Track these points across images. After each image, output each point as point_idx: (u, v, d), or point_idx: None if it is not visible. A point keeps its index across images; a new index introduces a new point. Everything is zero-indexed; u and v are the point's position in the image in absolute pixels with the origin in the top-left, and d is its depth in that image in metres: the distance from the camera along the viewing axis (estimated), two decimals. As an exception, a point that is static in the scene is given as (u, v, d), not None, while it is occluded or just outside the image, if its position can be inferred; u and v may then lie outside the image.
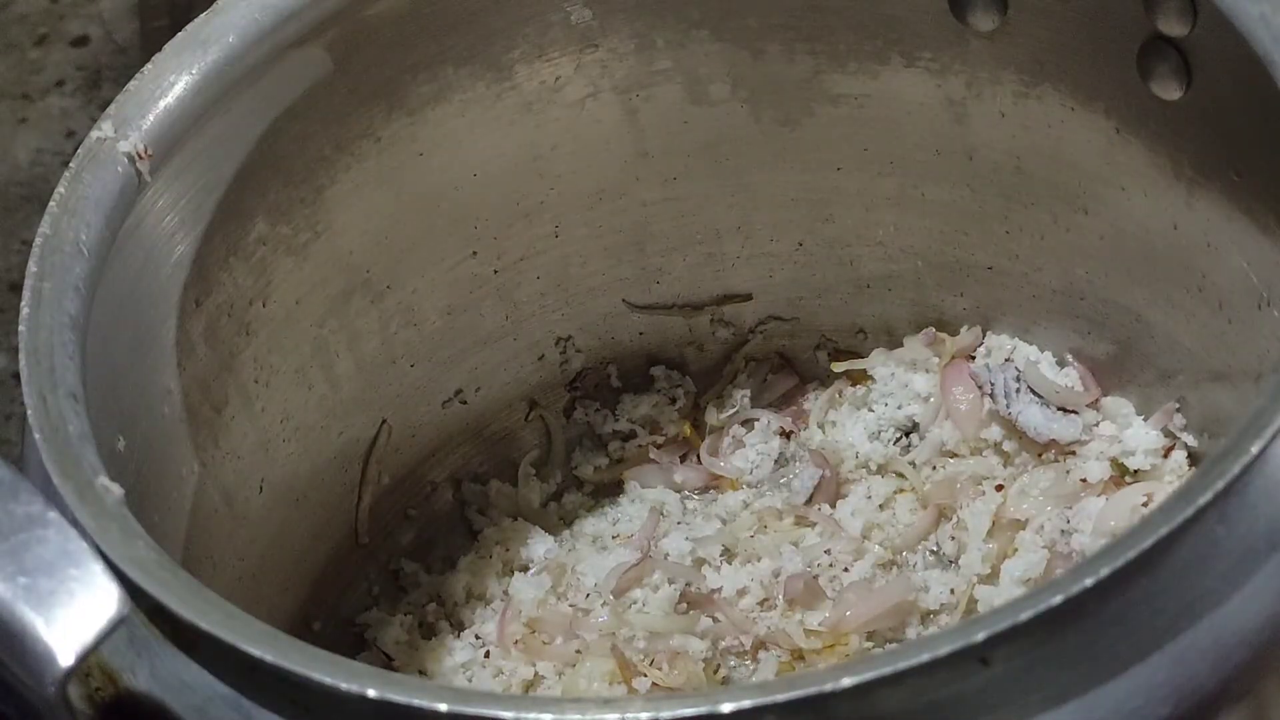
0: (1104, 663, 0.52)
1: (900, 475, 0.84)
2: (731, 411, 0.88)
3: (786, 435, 0.86)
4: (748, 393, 0.88)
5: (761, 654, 0.79)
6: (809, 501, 0.83)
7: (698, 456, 0.87)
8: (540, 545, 0.84)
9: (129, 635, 0.56)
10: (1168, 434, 0.80)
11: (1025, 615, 0.50)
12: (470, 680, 0.79)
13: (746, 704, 0.49)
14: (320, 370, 0.80)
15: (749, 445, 0.86)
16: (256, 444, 0.77)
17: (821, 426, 0.86)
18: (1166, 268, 0.76)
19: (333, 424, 0.81)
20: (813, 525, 0.82)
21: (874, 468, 0.84)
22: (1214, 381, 0.76)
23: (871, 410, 0.86)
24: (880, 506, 0.83)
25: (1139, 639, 0.52)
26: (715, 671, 0.79)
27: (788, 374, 0.89)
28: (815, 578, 0.80)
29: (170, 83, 0.69)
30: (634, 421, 0.88)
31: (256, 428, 0.77)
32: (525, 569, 0.83)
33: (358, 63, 0.75)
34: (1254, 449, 0.53)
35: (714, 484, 0.86)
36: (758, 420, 0.87)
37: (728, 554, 0.82)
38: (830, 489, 0.84)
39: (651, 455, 0.87)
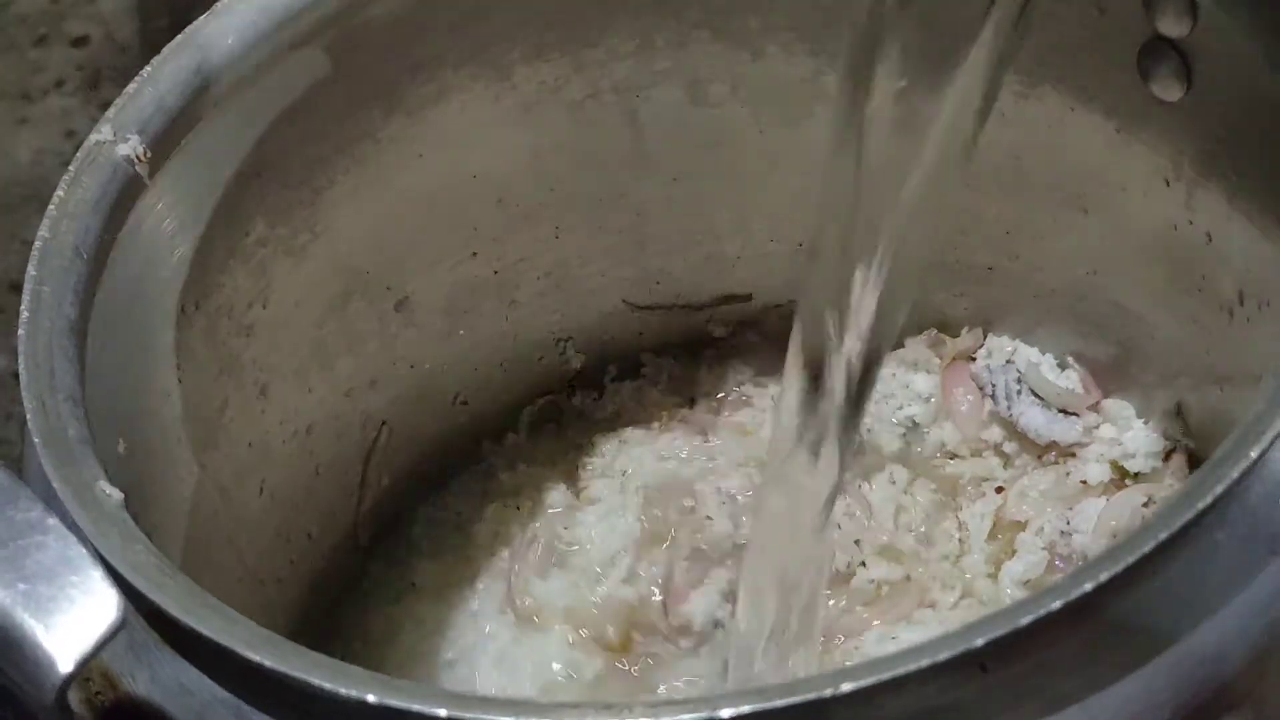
0: (1103, 668, 0.52)
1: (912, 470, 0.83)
2: (736, 386, 0.87)
3: None
4: (750, 370, 0.88)
5: None
6: None
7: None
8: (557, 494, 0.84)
9: (129, 640, 0.56)
10: (1168, 437, 0.80)
11: (1025, 620, 0.50)
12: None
13: (745, 709, 0.49)
14: (320, 371, 0.80)
15: (755, 406, 0.85)
16: (256, 446, 0.77)
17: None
18: (1167, 268, 0.76)
19: (332, 425, 0.81)
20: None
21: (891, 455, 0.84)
22: (1215, 384, 0.76)
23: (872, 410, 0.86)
24: (904, 491, 0.82)
25: (1138, 644, 0.52)
26: None
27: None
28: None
29: (169, 85, 0.69)
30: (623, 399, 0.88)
31: (256, 429, 0.77)
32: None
33: (356, 64, 0.74)
34: (1254, 453, 0.52)
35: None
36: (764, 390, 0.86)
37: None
38: (859, 462, 0.83)
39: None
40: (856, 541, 0.80)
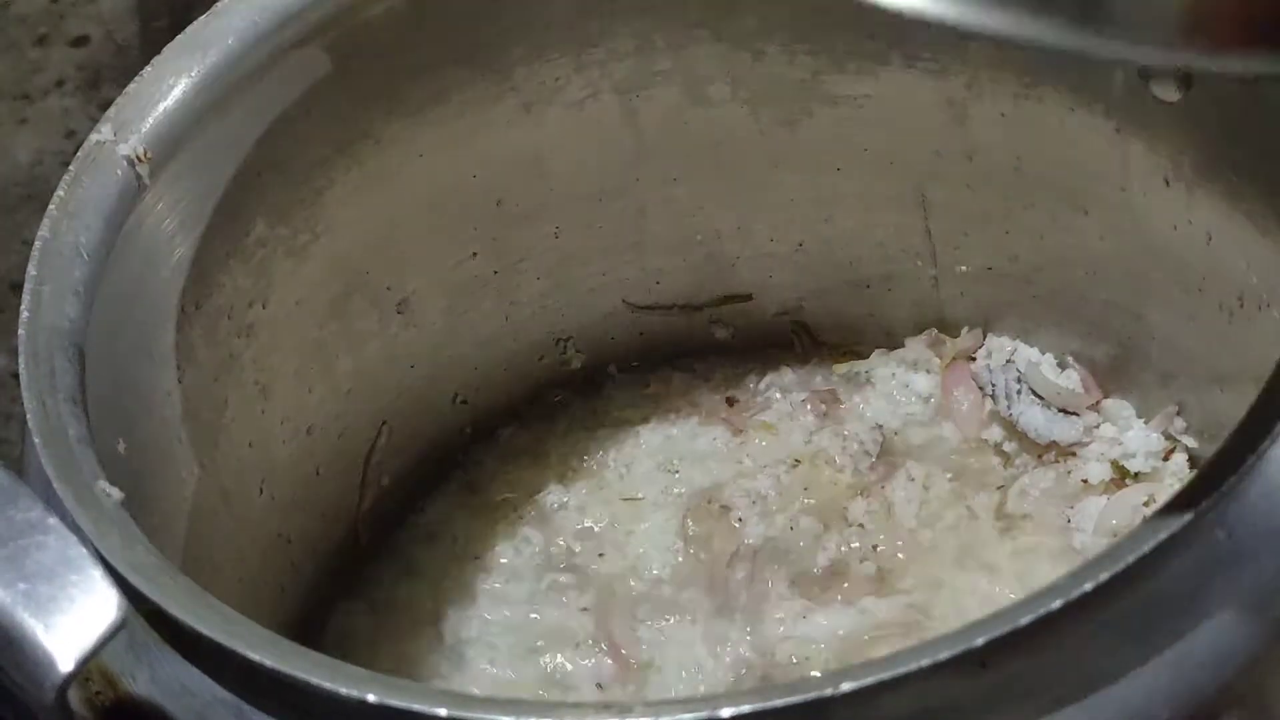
0: (1103, 667, 0.52)
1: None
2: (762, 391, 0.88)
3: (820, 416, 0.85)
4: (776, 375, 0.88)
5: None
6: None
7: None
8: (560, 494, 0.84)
9: (129, 639, 0.56)
10: (1168, 436, 0.80)
11: (1024, 620, 0.50)
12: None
13: (746, 709, 0.49)
14: (320, 371, 0.80)
15: (780, 402, 0.85)
16: (257, 446, 0.77)
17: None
18: (1166, 268, 0.76)
19: (333, 425, 0.81)
20: (864, 494, 0.81)
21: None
22: (1214, 384, 0.76)
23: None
24: (924, 486, 0.82)
25: (1138, 643, 0.52)
26: None
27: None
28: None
29: (170, 85, 0.69)
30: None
31: (257, 429, 0.77)
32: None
33: (357, 64, 0.74)
34: (1254, 453, 0.53)
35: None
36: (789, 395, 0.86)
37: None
38: (884, 466, 0.83)
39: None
40: (875, 547, 0.80)
